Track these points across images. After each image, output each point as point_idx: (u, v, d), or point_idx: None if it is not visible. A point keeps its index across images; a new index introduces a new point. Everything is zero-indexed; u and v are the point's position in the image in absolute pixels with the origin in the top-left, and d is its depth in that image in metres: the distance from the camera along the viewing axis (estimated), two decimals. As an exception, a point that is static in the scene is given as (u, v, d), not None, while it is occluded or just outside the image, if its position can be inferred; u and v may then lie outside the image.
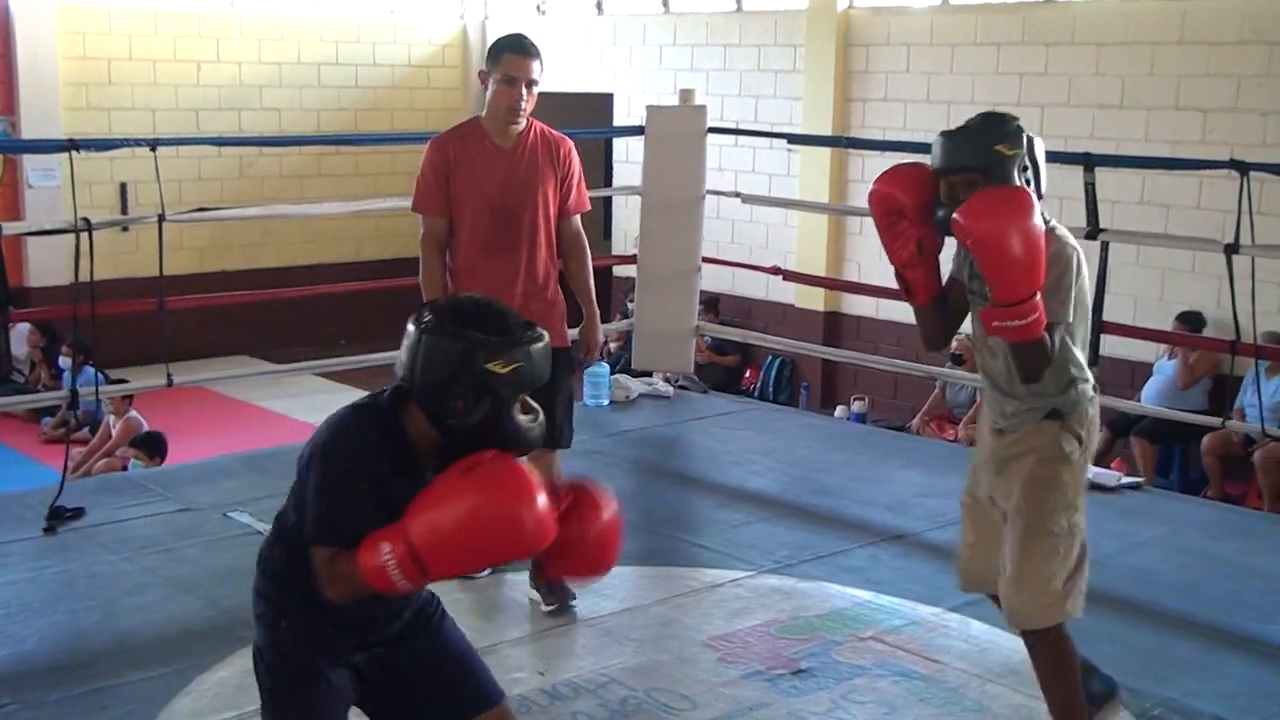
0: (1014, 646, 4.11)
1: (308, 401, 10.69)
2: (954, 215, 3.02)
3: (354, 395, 2.70)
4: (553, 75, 13.97)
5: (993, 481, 3.31)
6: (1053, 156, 8.03)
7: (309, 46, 12.94)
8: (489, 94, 4.31)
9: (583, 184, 4.47)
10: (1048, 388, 3.18)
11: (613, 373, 7.43)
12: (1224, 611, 4.50)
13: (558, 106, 14.04)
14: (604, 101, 12.46)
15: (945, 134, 3.23)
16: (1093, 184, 5.61)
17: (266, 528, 4.96)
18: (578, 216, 4.49)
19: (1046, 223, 3.11)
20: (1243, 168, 5.28)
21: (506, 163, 4.30)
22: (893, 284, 3.37)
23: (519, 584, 4.58)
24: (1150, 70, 8.81)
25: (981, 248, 2.97)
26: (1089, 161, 5.64)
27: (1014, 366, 3.15)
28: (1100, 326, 5.69)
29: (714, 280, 10.95)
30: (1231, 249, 5.30)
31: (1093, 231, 5.67)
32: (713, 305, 10.85)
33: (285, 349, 11.24)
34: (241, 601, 4.34)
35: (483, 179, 4.28)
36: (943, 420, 9.82)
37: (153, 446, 8.84)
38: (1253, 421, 7.06)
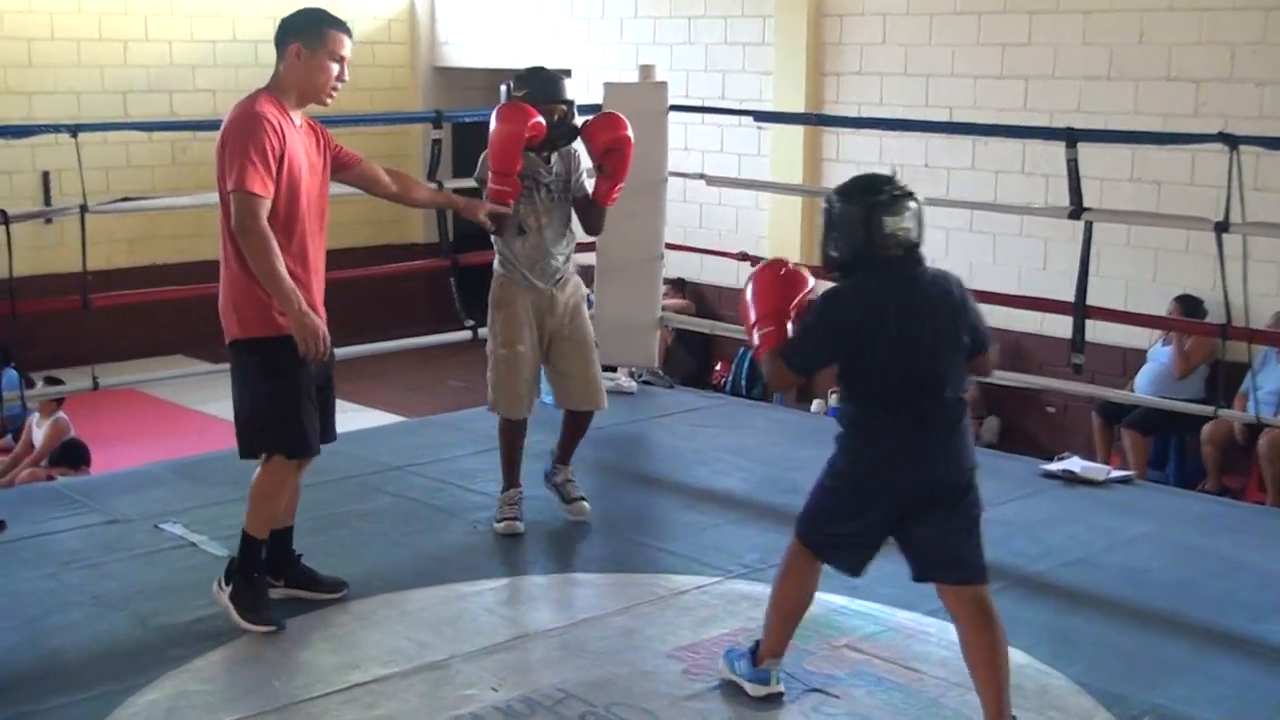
0: (995, 652, 4.16)
1: (248, 403, 10.65)
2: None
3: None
4: (507, 50, 13.94)
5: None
6: (1034, 132, 8.16)
7: (245, 23, 12.88)
8: (304, 69, 4.22)
9: None
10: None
11: (572, 368, 7.44)
12: (1217, 611, 4.56)
13: (512, 84, 14.11)
14: (561, 78, 12.45)
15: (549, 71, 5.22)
16: (1075, 160, 5.66)
17: (200, 539, 5.01)
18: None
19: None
20: (1231, 141, 5.33)
21: (305, 143, 4.29)
22: None
23: (472, 595, 4.61)
24: (1139, 39, 8.86)
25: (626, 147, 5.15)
26: (1071, 137, 5.69)
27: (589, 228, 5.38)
28: (1085, 311, 5.75)
29: (680, 268, 11.00)
30: (1221, 227, 5.36)
31: (1076, 210, 5.72)
32: (680, 285, 11.03)
33: (222, 347, 11.22)
34: (173, 619, 4.39)
35: (303, 161, 4.24)
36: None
37: (73, 456, 8.78)
38: (1255, 407, 7.09)
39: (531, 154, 5.08)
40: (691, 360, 11.18)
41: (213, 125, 13.72)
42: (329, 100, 4.30)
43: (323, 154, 4.38)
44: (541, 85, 5.09)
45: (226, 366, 7.55)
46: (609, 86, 7.33)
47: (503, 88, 5.12)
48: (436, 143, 7.04)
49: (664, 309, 7.77)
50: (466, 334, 7.06)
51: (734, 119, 10.58)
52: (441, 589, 4.64)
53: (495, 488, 5.39)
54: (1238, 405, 7.61)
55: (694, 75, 11.20)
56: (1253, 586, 4.80)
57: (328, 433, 4.51)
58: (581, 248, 7.00)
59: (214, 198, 4.25)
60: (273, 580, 4.52)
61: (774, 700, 3.84)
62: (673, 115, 7.47)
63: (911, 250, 3.54)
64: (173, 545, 5.04)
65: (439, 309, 9.15)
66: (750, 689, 3.85)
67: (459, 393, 10.77)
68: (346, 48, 4.27)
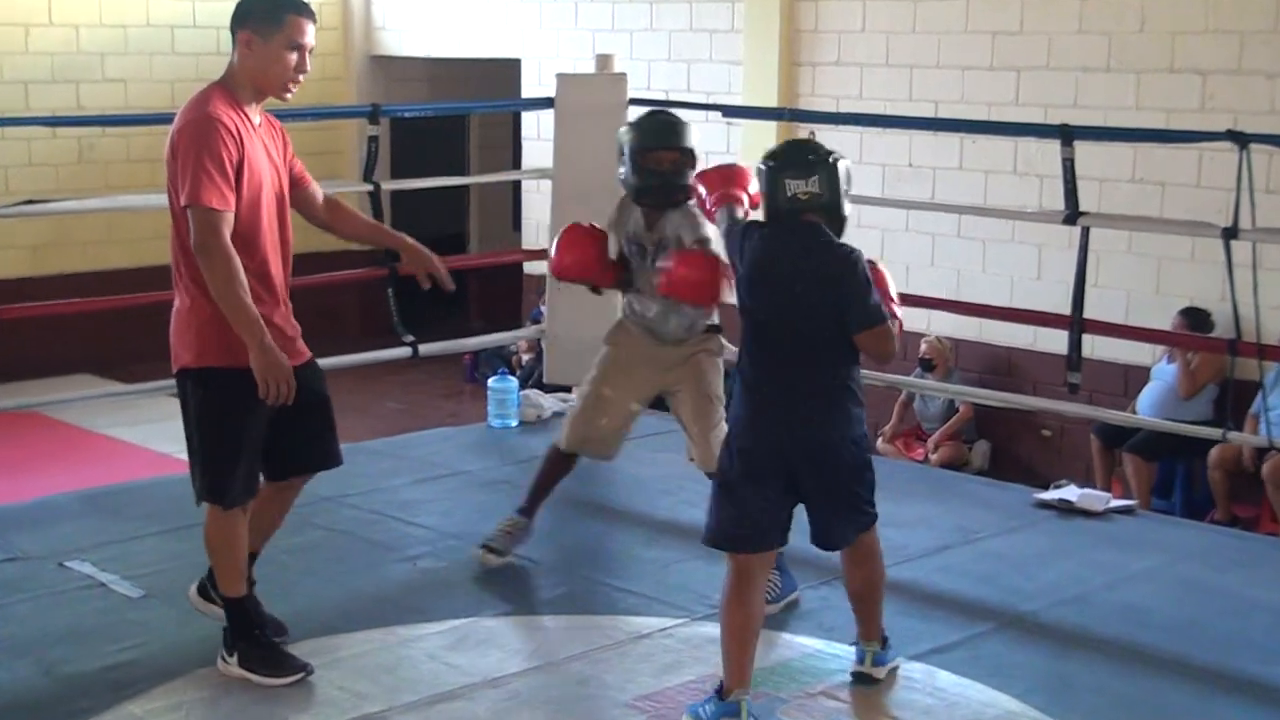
0: (986, 700, 4.22)
1: (164, 428, 10.58)
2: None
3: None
4: (450, 38, 13.91)
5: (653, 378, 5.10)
6: (1027, 129, 8.21)
7: (160, 6, 12.85)
8: (256, 60, 4.10)
9: None
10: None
11: (522, 388, 7.46)
12: (1225, 652, 4.61)
13: (455, 75, 14.12)
14: (510, 69, 12.48)
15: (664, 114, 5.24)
16: (1071, 160, 5.71)
17: (111, 578, 4.98)
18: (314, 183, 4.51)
19: None
20: (1241, 139, 5.39)
21: (265, 146, 4.20)
22: None
23: (413, 640, 4.61)
24: (1140, 27, 8.94)
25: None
26: (1067, 135, 5.74)
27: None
28: (1082, 325, 5.80)
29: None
30: (1230, 233, 5.41)
31: (1072, 215, 5.78)
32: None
33: (136, 365, 11.16)
34: (81, 667, 4.37)
35: (263, 166, 4.15)
36: (910, 437, 9.94)
37: (-27, 486, 8.73)
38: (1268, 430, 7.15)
39: (638, 212, 5.07)
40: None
41: (126, 120, 13.62)
42: (288, 95, 4.17)
43: (284, 156, 4.30)
44: (649, 130, 5.05)
45: (141, 386, 7.61)
46: (562, 78, 7.36)
47: (620, 131, 5.12)
48: (373, 140, 7.03)
49: (623, 324, 7.77)
50: (405, 351, 7.06)
51: (700, 114, 10.54)
52: (379, 633, 4.64)
53: (437, 521, 5.41)
54: (1249, 427, 7.68)
55: (656, 65, 11.23)
56: (1264, 626, 4.85)
57: (331, 457, 4.59)
58: (533, 254, 7.00)
59: (127, 200, 4.23)
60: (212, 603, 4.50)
61: (745, 743, 3.86)
62: (633, 110, 7.49)
63: (828, 211, 4.00)
64: (80, 585, 5.01)
65: (375, 323, 9.15)
66: None
67: (397, 415, 10.74)
68: (307, 34, 4.10)
